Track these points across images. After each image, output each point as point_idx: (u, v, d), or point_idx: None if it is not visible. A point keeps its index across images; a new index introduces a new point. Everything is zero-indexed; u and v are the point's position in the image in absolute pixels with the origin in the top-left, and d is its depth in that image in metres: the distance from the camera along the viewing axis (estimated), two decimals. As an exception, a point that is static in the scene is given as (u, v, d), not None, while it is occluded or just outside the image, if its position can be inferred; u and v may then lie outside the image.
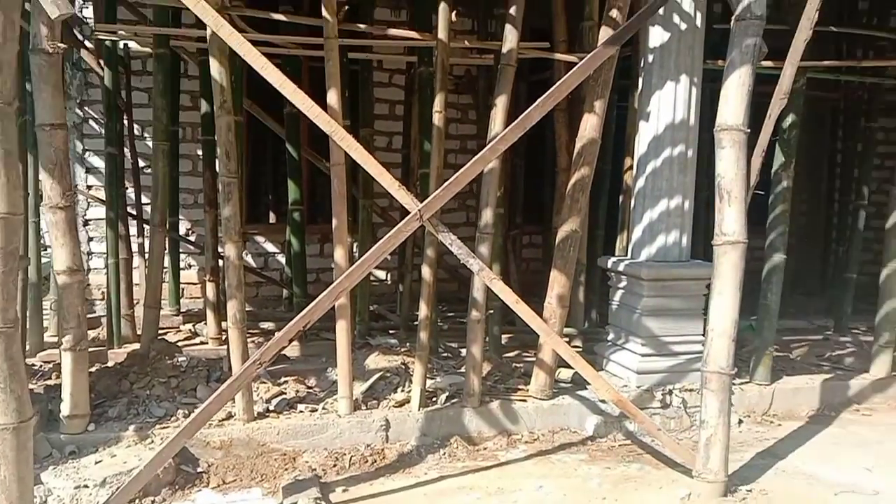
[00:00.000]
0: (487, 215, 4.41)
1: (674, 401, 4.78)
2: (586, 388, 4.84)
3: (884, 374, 5.45)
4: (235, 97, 4.63)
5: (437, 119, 4.63)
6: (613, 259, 5.19)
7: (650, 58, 4.90)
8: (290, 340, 3.52)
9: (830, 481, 3.98)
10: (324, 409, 4.40)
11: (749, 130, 3.62)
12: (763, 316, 5.27)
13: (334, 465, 4.08)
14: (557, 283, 4.60)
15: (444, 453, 4.32)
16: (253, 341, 5.47)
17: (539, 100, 3.53)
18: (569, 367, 4.53)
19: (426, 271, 4.53)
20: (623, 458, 4.31)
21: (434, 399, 4.60)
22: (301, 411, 4.36)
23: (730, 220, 3.62)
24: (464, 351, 4.66)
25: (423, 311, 4.51)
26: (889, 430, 4.81)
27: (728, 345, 3.62)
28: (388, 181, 3.58)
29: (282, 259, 7.53)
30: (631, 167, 5.61)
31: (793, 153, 5.24)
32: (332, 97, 4.19)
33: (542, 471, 4.12)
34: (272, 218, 8.43)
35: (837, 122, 8.40)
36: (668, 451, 4.22)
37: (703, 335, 4.90)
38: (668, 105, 4.83)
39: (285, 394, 4.53)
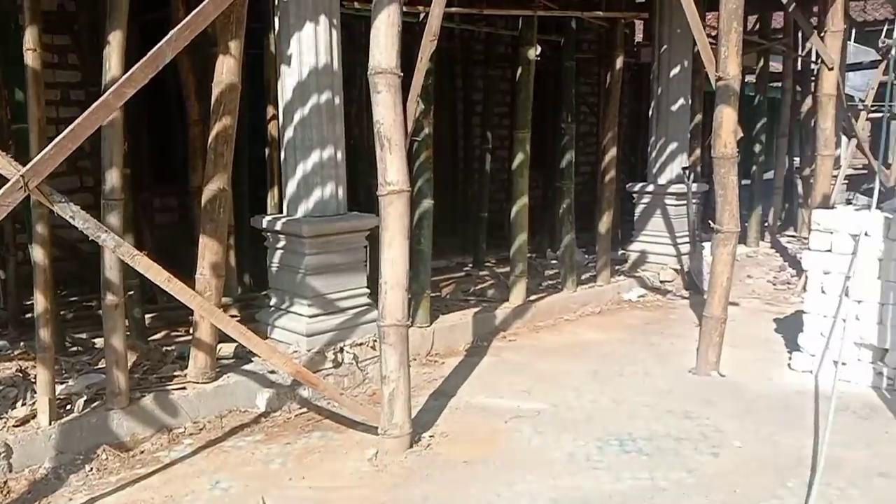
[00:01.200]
0: (113, 178, 3.65)
1: (345, 358, 4.62)
2: (252, 361, 4.41)
3: (521, 302, 6.01)
4: None
5: (32, 59, 3.65)
6: (268, 218, 4.78)
7: (286, -5, 4.50)
8: None
9: (499, 409, 4.20)
10: None
11: (402, 74, 3.48)
12: (417, 260, 5.37)
13: (-68, 523, 3.07)
14: (209, 250, 4.04)
15: (92, 469, 3.55)
16: None
17: (173, 32, 2.91)
18: (231, 340, 4.05)
19: (38, 252, 3.61)
20: (303, 430, 4.02)
21: (69, 407, 3.75)
22: None
23: (392, 168, 3.46)
24: (99, 342, 3.88)
25: (41, 302, 3.59)
26: (532, 352, 5.30)
27: (402, 296, 3.52)
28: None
29: None
30: (275, 116, 5.20)
31: (431, 100, 5.34)
32: None
33: (215, 464, 3.62)
34: None
35: (455, 70, 8.96)
36: (348, 412, 4.04)
37: (368, 287, 4.80)
38: (309, 48, 4.51)
39: None
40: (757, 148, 9.19)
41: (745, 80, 10.25)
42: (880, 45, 8.97)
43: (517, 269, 6.02)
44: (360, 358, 4.65)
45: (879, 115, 11.06)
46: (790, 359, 4.90)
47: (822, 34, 6.62)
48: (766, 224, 9.62)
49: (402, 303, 3.52)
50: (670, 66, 7.38)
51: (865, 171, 10.29)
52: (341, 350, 4.60)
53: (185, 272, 4.07)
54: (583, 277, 6.86)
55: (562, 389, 4.51)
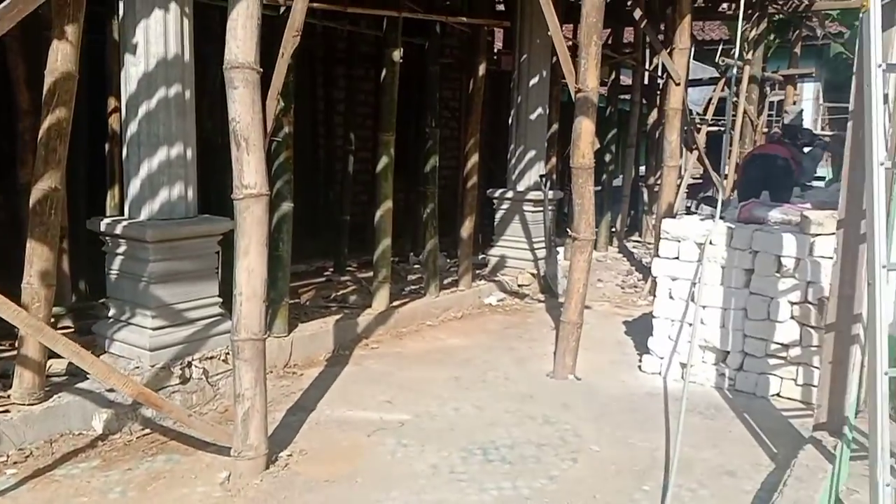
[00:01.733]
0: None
1: (194, 373, 4.30)
2: (87, 379, 3.99)
3: (384, 308, 5.90)
4: None
5: None
6: (107, 220, 4.35)
7: (131, -22, 4.12)
8: None
9: (361, 422, 4.06)
10: None
11: (262, 70, 3.26)
12: (276, 267, 5.11)
13: None
14: (38, 256, 3.61)
15: None
16: None
17: (-10, 11, 2.54)
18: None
19: None
20: (146, 453, 3.68)
21: None
22: None
23: (250, 170, 3.24)
24: None
25: None
26: (395, 360, 5.20)
27: (259, 308, 3.30)
28: None
29: None
30: (117, 109, 4.77)
31: (291, 98, 5.11)
32: None
33: (44, 496, 3.23)
34: None
35: (316, 68, 8.70)
36: (198, 433, 3.74)
37: (219, 296, 4.50)
38: (158, 37, 4.14)
39: None
40: (607, 157, 9.63)
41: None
42: (720, 63, 9.68)
43: (380, 275, 5.90)
44: (210, 372, 4.34)
45: (717, 128, 11.98)
46: (640, 361, 5.11)
47: (670, 51, 7.01)
48: (614, 230, 10.11)
49: (258, 316, 3.30)
50: (530, 75, 7.54)
51: (702, 181, 11.09)
52: (189, 365, 4.27)
53: (14, 278, 3.62)
54: (445, 282, 6.85)
55: (425, 398, 4.44)
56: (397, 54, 5.76)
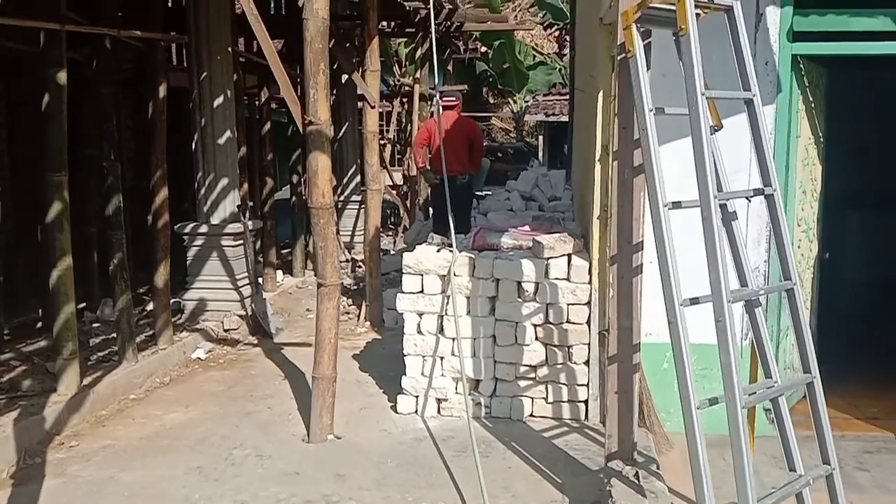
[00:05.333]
0: None
1: None
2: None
3: (76, 390, 4.74)
4: None
5: None
6: None
7: None
8: None
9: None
10: None
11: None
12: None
13: None
14: None
15: None
16: None
17: None
18: None
19: None
20: None
21: None
22: None
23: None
24: None
25: None
26: (110, 458, 4.17)
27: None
28: None
29: None
30: None
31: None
32: None
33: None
34: None
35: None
36: None
37: None
38: None
39: None
40: (295, 178, 9.19)
41: (281, 108, 10.24)
42: (430, 88, 9.87)
43: (65, 350, 4.72)
44: None
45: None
46: (395, 402, 4.85)
47: (362, 73, 6.86)
48: (309, 251, 9.73)
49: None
50: (213, 95, 6.76)
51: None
52: None
53: None
54: (138, 339, 5.78)
55: (170, 504, 3.62)
56: (63, 75, 4.63)
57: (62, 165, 4.66)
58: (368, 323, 7.01)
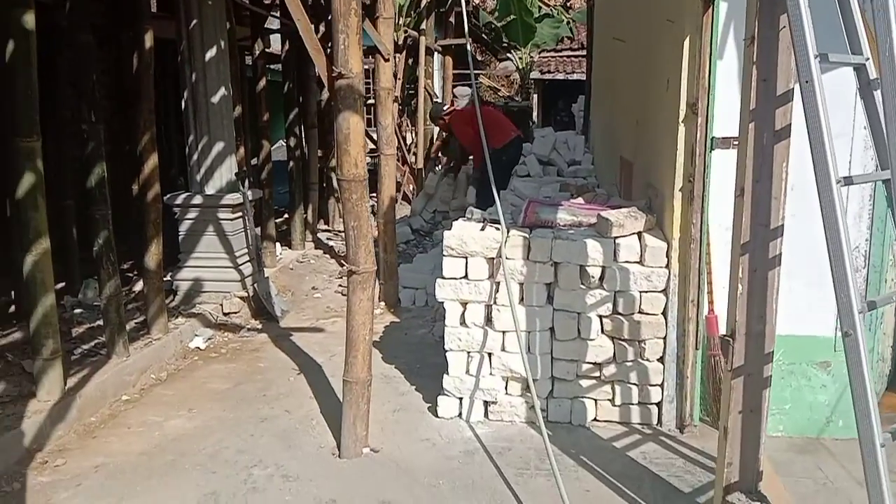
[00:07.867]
0: None
1: None
2: None
3: (59, 395, 4.01)
4: None
5: None
6: None
7: None
8: None
9: None
10: None
11: None
12: None
13: None
14: None
15: None
16: None
17: None
18: None
19: None
20: None
21: None
22: None
23: None
24: None
25: None
26: (104, 480, 3.47)
27: None
28: None
29: None
30: None
31: None
32: None
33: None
34: None
35: None
36: None
37: None
38: None
39: None
40: (293, 142, 8.35)
41: (273, 66, 9.35)
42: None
43: (46, 349, 3.98)
44: None
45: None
46: (436, 405, 4.17)
47: (374, 19, 6.04)
48: (308, 221, 8.96)
49: None
50: (204, 46, 5.93)
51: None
52: None
53: None
54: (128, 327, 5.04)
55: (184, 549, 2.94)
56: (30, 18, 3.81)
57: (33, 129, 3.86)
58: (384, 304, 6.31)
